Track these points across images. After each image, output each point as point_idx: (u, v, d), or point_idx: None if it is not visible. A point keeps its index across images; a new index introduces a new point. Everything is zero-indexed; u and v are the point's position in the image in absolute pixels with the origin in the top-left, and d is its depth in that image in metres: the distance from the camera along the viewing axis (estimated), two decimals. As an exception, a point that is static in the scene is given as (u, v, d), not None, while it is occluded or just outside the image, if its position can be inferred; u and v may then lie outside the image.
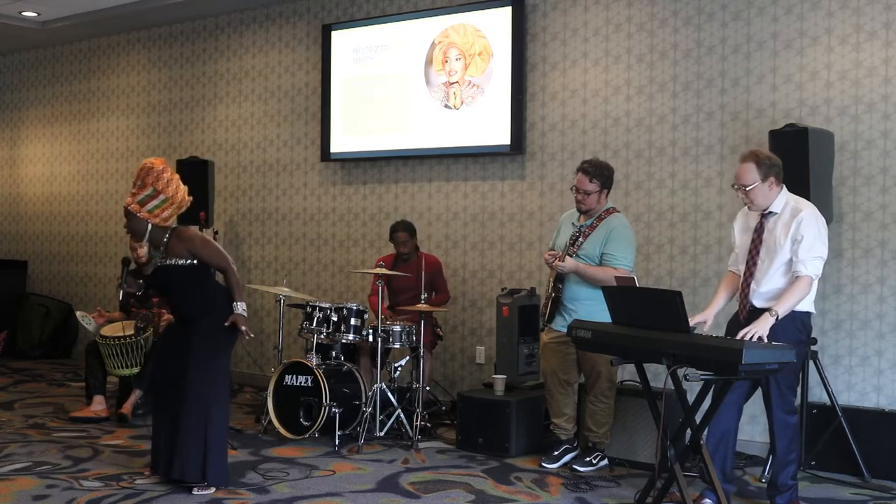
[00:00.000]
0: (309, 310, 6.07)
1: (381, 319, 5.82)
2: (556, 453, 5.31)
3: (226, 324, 4.63)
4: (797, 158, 5.06)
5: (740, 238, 4.50)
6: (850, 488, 4.92)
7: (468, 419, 5.69)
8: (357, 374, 5.99)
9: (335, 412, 5.64)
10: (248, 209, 8.21)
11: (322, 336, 6.00)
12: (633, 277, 4.69)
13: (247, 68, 8.17)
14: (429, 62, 6.96)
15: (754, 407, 5.02)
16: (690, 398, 4.32)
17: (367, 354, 6.26)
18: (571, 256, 5.14)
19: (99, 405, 6.35)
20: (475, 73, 6.73)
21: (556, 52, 6.48)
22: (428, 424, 5.99)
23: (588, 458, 5.25)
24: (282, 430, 5.83)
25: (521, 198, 6.65)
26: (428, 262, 6.38)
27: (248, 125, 8.18)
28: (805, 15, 5.54)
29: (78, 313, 6.54)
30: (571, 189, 5.27)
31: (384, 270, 5.91)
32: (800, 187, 4.95)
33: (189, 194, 4.76)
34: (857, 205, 5.37)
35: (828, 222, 5.21)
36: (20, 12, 8.56)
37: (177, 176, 4.71)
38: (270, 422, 5.91)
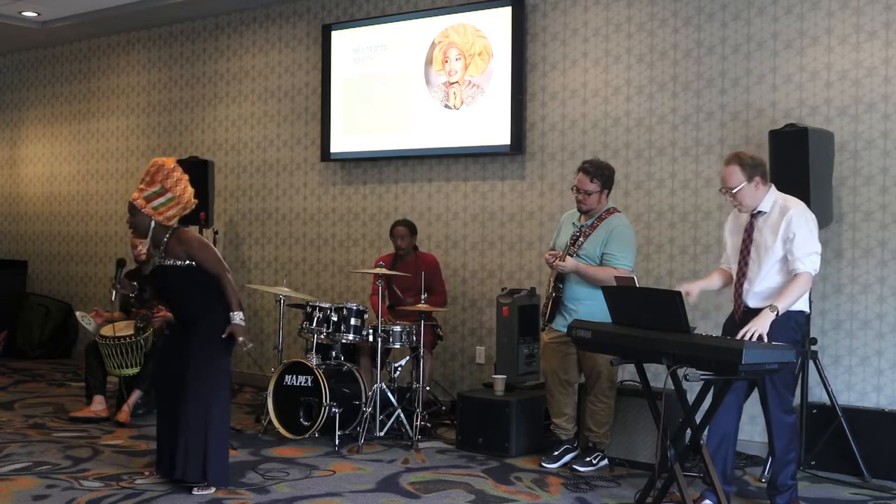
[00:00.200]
0: (309, 310, 6.07)
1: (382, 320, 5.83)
2: (556, 453, 5.31)
3: (223, 335, 4.59)
4: (797, 158, 5.06)
5: (731, 239, 4.53)
6: (850, 488, 4.92)
7: (468, 419, 5.69)
8: (357, 374, 5.99)
9: (335, 412, 5.64)
10: (248, 209, 8.21)
11: (322, 336, 6.00)
12: (634, 277, 4.69)
13: (247, 68, 8.17)
14: (429, 62, 6.96)
15: (754, 407, 5.01)
16: (690, 398, 4.32)
17: (368, 354, 6.26)
18: (572, 256, 5.14)
19: (99, 405, 6.35)
20: (475, 73, 6.73)
21: (556, 52, 6.48)
22: (428, 424, 5.99)
23: (588, 458, 5.25)
24: (282, 430, 5.83)
25: (521, 198, 6.65)
26: (426, 260, 6.39)
27: (248, 125, 8.18)
28: (805, 15, 5.54)
29: (78, 313, 6.54)
30: (572, 189, 5.27)
31: (384, 270, 5.91)
32: (800, 187, 4.96)
33: (191, 195, 4.76)
34: (857, 205, 5.37)
35: (828, 222, 5.24)
36: (20, 12, 8.56)
37: (186, 177, 4.70)
38: (270, 422, 5.91)
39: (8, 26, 8.87)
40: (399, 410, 5.82)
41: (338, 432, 5.62)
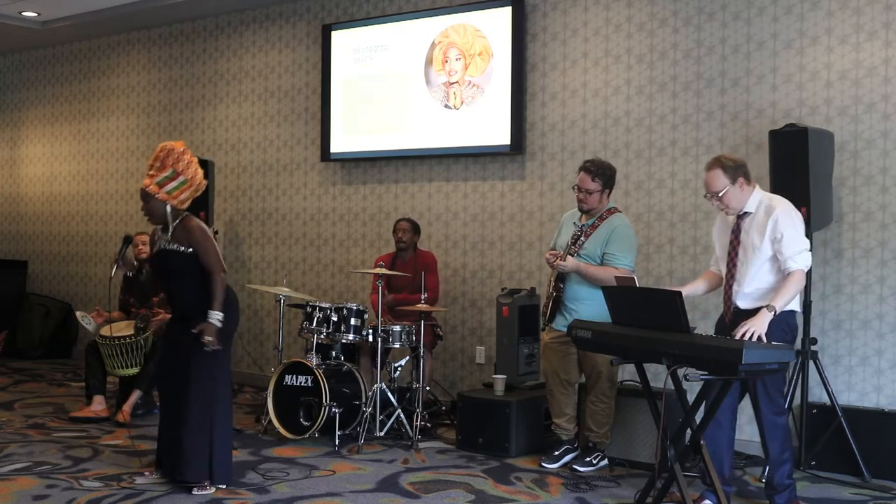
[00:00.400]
0: (309, 310, 6.07)
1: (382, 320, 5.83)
2: (556, 453, 5.31)
3: (193, 330, 4.48)
4: (797, 158, 5.06)
5: (719, 241, 4.53)
6: (850, 488, 4.92)
7: (468, 419, 5.69)
8: (357, 374, 5.99)
9: (335, 412, 5.64)
10: (248, 209, 8.20)
11: (322, 336, 6.00)
12: (634, 277, 4.69)
13: (247, 68, 8.17)
14: (429, 62, 6.96)
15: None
16: (690, 398, 4.32)
17: (368, 354, 6.26)
18: (573, 256, 5.14)
19: (99, 405, 6.34)
20: (475, 73, 6.73)
21: (556, 52, 6.48)
22: (428, 424, 5.99)
23: (588, 458, 5.25)
24: (282, 430, 5.83)
25: (521, 198, 6.65)
26: (423, 256, 6.40)
27: (248, 125, 8.18)
28: (805, 15, 5.54)
29: (78, 313, 6.54)
30: (573, 188, 5.27)
31: (384, 270, 5.91)
32: (800, 187, 4.97)
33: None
34: (857, 205, 5.37)
35: (828, 222, 5.25)
36: (20, 12, 8.56)
37: (195, 159, 4.69)
38: (270, 422, 5.91)
39: (8, 26, 8.87)
40: (399, 410, 5.82)
41: (338, 432, 5.62)
